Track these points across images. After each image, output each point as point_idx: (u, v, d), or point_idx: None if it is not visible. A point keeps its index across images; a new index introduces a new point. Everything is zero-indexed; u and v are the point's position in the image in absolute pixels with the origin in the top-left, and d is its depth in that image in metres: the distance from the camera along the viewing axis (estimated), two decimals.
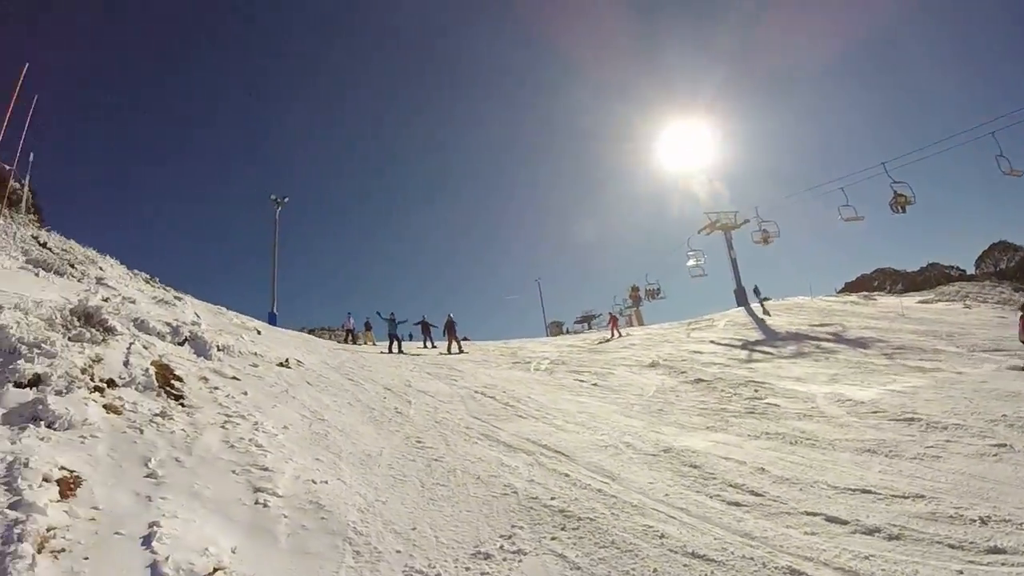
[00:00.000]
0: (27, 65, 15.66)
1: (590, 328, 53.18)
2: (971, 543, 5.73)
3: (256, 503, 6.48)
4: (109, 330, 10.43)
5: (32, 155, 22.08)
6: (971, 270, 50.89)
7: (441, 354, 23.47)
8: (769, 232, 33.50)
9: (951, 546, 5.74)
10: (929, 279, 48.26)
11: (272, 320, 29.86)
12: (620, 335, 27.77)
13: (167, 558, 4.83)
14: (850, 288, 48.22)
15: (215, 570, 4.99)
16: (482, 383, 15.34)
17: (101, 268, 17.99)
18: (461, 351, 24.36)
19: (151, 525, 5.31)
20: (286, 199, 37.44)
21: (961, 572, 5.25)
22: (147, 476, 6.39)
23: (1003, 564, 5.32)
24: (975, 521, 6.22)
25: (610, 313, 35.54)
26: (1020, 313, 17.01)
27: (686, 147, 68.03)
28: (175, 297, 16.95)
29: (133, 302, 13.41)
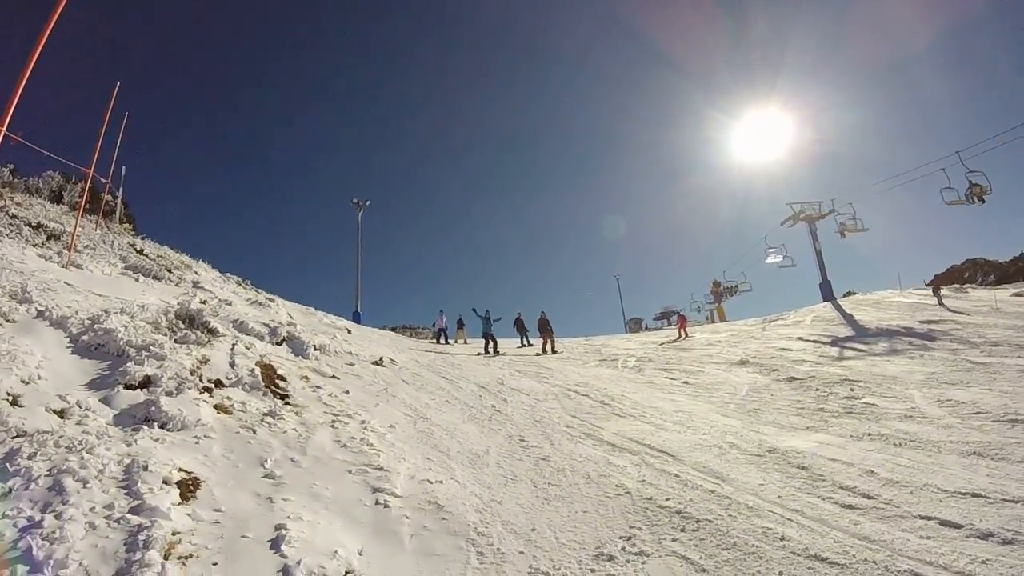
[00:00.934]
0: (119, 84, 16.01)
1: (669, 324, 52.46)
2: None
3: (377, 503, 6.43)
4: (212, 332, 10.57)
5: (124, 169, 22.86)
6: None
7: (537, 354, 22.03)
8: (850, 225, 31.99)
9: None
10: (1022, 269, 46.16)
11: (357, 319, 30.00)
12: (686, 336, 26.26)
13: (299, 562, 4.74)
14: (940, 280, 46.33)
15: (346, 573, 4.88)
16: (573, 381, 15.14)
17: (196, 272, 18.42)
18: (555, 351, 22.49)
19: (277, 528, 5.26)
20: (368, 202, 37.70)
21: None
22: (265, 476, 6.38)
23: None
24: None
25: (679, 313, 33.17)
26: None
27: (768, 137, 66.73)
28: (267, 299, 17.23)
29: (230, 304, 13.63)
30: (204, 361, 9.10)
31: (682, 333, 26.79)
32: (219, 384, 8.64)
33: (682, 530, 6.24)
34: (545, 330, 23.42)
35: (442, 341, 27.55)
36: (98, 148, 15.63)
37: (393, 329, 32.41)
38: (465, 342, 28.70)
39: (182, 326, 10.41)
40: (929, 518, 6.36)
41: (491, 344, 22.62)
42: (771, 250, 36.79)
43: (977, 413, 10.54)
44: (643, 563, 5.58)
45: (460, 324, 30.29)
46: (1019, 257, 50.89)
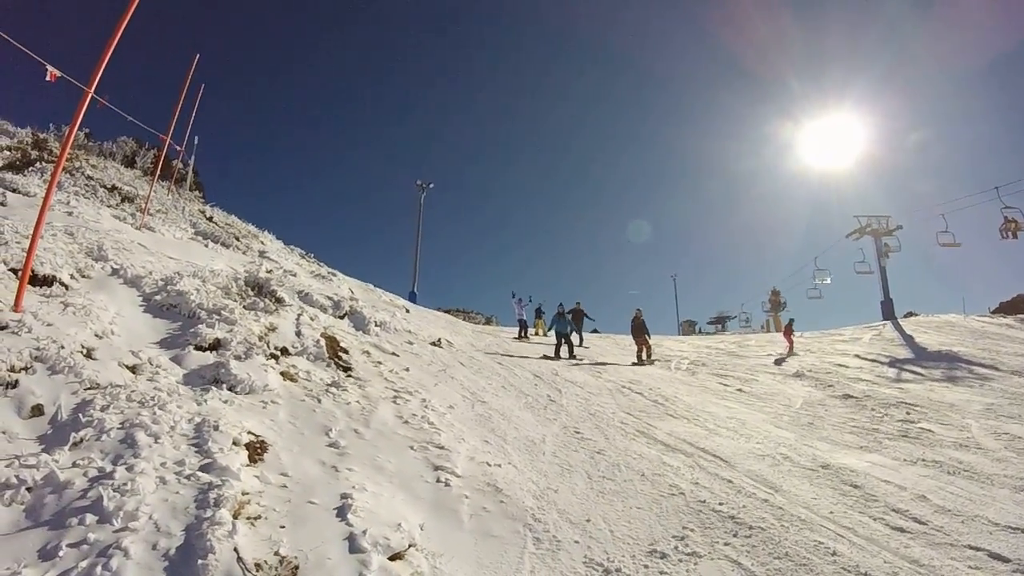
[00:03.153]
0: (198, 56, 16.25)
1: (724, 330, 51.68)
2: None
3: (438, 481, 6.52)
4: (279, 301, 10.77)
5: (196, 138, 23.36)
6: None
7: (633, 363, 18.81)
8: (944, 240, 30.70)
9: None
10: None
11: (413, 299, 29.52)
12: (791, 350, 22.45)
13: (364, 531, 4.79)
14: (1005, 308, 44.52)
15: (409, 546, 4.93)
16: (626, 378, 15.18)
17: (262, 242, 18.76)
18: (651, 358, 19.28)
19: (343, 496, 5.33)
20: (431, 184, 37.81)
21: None
22: (329, 445, 6.49)
23: None
24: None
25: (790, 322, 25.80)
26: None
27: (837, 146, 65.47)
28: (329, 272, 17.47)
29: (294, 275, 13.86)
30: (272, 328, 9.27)
31: (790, 345, 23.06)
32: (285, 352, 8.79)
33: (735, 535, 6.25)
34: (640, 333, 19.66)
35: (523, 335, 23.61)
36: (175, 117, 15.94)
37: (447, 312, 32.29)
38: (546, 334, 26.03)
39: (251, 293, 10.64)
40: (979, 549, 6.35)
41: (565, 348, 19.23)
42: (818, 271, 36.19)
43: None
44: (695, 564, 5.61)
45: (539, 313, 28.18)
46: None
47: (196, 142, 23.91)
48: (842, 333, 27.85)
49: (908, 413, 12.96)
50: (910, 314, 35.17)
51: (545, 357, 17.86)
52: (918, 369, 19.15)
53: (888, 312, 32.86)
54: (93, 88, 7.87)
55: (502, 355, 16.56)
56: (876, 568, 5.71)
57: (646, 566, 5.51)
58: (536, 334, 26.27)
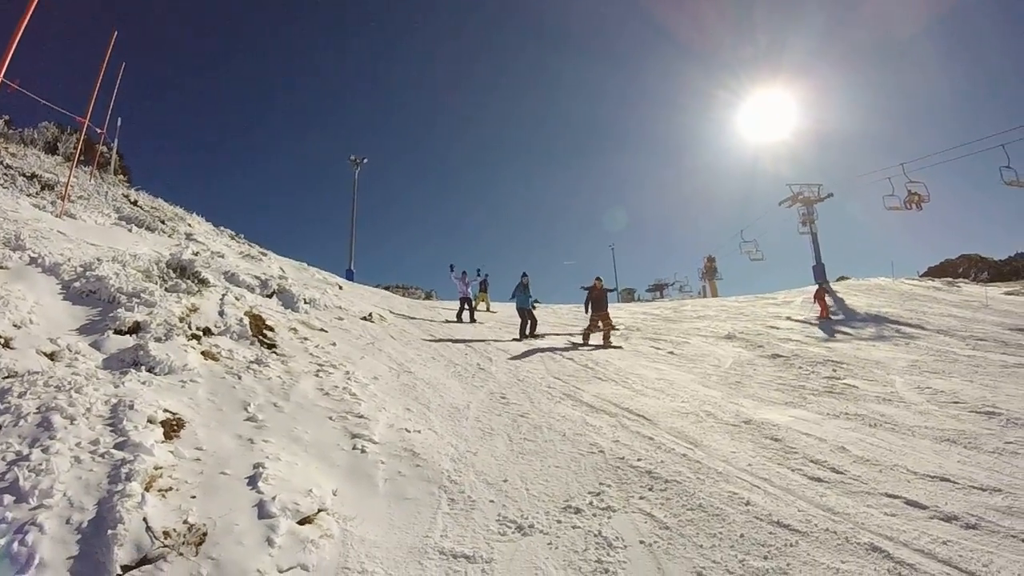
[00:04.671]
0: (115, 33, 15.83)
1: (662, 296, 52.51)
2: None
3: (354, 449, 6.62)
4: (203, 282, 10.73)
5: (120, 120, 22.80)
6: None
7: (578, 344, 16.52)
8: (922, 195, 31.24)
9: None
10: (1017, 269, 45.56)
11: (350, 277, 29.49)
12: (828, 316, 22.01)
13: (273, 498, 4.92)
14: (933, 273, 45.97)
15: (319, 511, 5.08)
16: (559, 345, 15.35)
17: (189, 224, 18.53)
18: (610, 341, 16.51)
19: (256, 466, 5.43)
20: (365, 160, 37.24)
21: None
22: (247, 420, 6.56)
23: None
24: None
25: (820, 285, 25.46)
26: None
27: (770, 117, 66.60)
28: (260, 253, 17.38)
29: (222, 256, 13.78)
30: (193, 309, 9.25)
31: (824, 309, 22.55)
32: (208, 332, 8.80)
33: (650, 489, 6.37)
34: (600, 306, 16.95)
35: (465, 318, 20.34)
36: (94, 98, 15.50)
37: (387, 288, 32.13)
38: (489, 309, 24.30)
39: (173, 275, 10.57)
40: (896, 496, 6.48)
41: (529, 324, 17.18)
42: (745, 243, 37.32)
43: (955, 403, 10.67)
44: (609, 518, 5.72)
45: (484, 286, 25.16)
46: (1014, 257, 50.48)
47: (119, 124, 23.28)
48: (775, 296, 28.52)
49: (834, 370, 13.30)
50: (842, 278, 36.30)
51: (514, 339, 16.11)
52: (847, 329, 19.76)
53: (820, 275, 33.76)
54: (2, 72, 7.71)
55: (436, 326, 16.69)
56: (789, 516, 5.84)
57: (559, 521, 5.62)
58: (480, 309, 23.54)
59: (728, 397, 10.75)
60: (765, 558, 5.10)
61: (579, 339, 16.75)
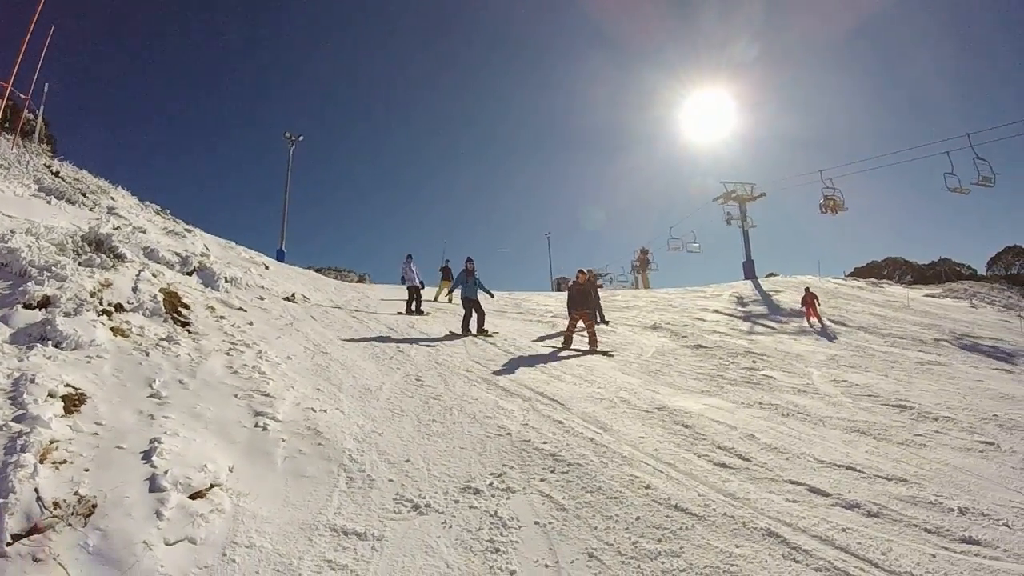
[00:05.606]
0: None
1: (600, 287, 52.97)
2: (947, 530, 5.75)
3: (256, 426, 6.68)
4: (119, 257, 10.58)
5: (47, 86, 22.08)
6: (982, 270, 49.83)
7: (561, 348, 14.26)
8: (837, 202, 31.75)
9: (927, 530, 5.74)
10: (939, 274, 47.12)
11: (280, 257, 28.99)
12: (822, 324, 20.58)
13: (166, 472, 5.00)
14: (859, 273, 47.19)
15: (212, 486, 5.17)
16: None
17: (112, 198, 18.10)
18: (596, 345, 14.02)
19: (152, 441, 5.47)
20: (300, 137, 36.39)
21: (934, 556, 5.25)
22: (151, 396, 6.58)
23: (976, 555, 5.34)
24: (953, 511, 6.20)
25: (807, 289, 22.93)
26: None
27: (708, 116, 67.69)
28: (185, 229, 17.07)
29: (144, 232, 13.53)
30: (106, 285, 9.13)
31: (812, 318, 21.15)
32: (120, 308, 8.72)
33: (552, 471, 6.49)
34: (583, 303, 14.65)
35: (415, 308, 18.09)
36: (18, 61, 15.21)
37: (319, 271, 31.77)
38: (450, 299, 22.20)
39: (88, 249, 10.38)
40: (799, 484, 6.61)
41: (474, 317, 15.22)
42: (673, 240, 38.23)
43: (869, 395, 11.05)
44: (507, 499, 5.84)
45: (446, 273, 23.31)
46: (938, 262, 52.15)
47: (46, 90, 22.48)
48: (704, 290, 28.99)
49: (754, 362, 13.62)
50: (771, 274, 37.30)
51: (452, 335, 14.48)
52: (771, 324, 20.43)
53: (749, 271, 34.68)
54: None
55: (360, 310, 16.65)
56: (688, 500, 5.94)
57: (457, 501, 5.74)
58: (442, 299, 22.24)
59: (646, 384, 10.88)
60: (659, 540, 5.19)
61: (557, 342, 14.50)
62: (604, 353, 13.54)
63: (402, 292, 18.94)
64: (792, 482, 6.63)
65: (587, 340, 14.07)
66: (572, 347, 13.82)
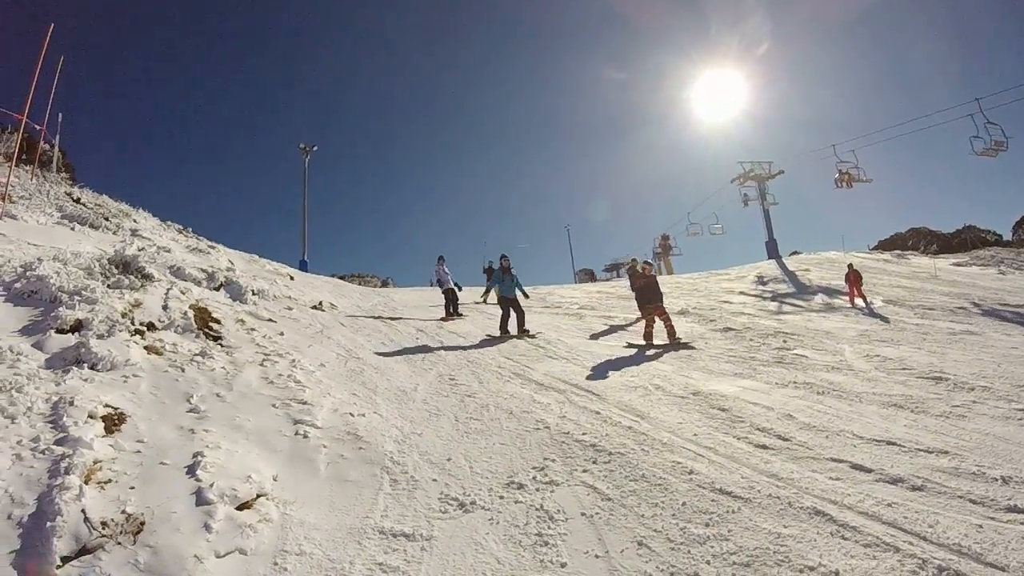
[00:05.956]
0: (52, 26, 15.52)
1: (618, 276, 52.87)
2: (992, 500, 5.63)
3: (296, 434, 6.70)
4: (147, 277, 10.67)
5: (61, 116, 22.35)
6: (1008, 236, 49.00)
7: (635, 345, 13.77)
8: (854, 174, 31.07)
9: (972, 501, 5.64)
10: (964, 242, 46.41)
11: (304, 267, 29.29)
12: (866, 304, 19.59)
13: (211, 485, 5.01)
14: (883, 246, 46.70)
15: (258, 496, 5.18)
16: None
17: (135, 220, 18.31)
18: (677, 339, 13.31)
19: (195, 455, 5.50)
20: (315, 147, 36.66)
21: (980, 526, 5.15)
22: (189, 411, 6.61)
23: (1022, 523, 5.21)
24: (996, 480, 6.07)
25: (850, 266, 21.73)
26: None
27: (723, 95, 67.31)
28: (208, 246, 17.25)
29: (168, 251, 13.68)
30: (137, 305, 9.20)
31: (857, 298, 20.09)
32: (151, 327, 8.77)
33: (594, 462, 6.47)
34: (651, 298, 13.99)
35: (452, 313, 17.22)
36: (31, 94, 15.29)
37: (342, 278, 31.87)
38: (485, 299, 21.54)
39: (116, 272, 10.47)
40: (841, 461, 6.55)
41: (513, 317, 14.34)
42: (692, 225, 39.25)
43: (903, 369, 10.89)
44: (551, 492, 5.81)
45: (489, 272, 22.12)
46: (962, 230, 51.26)
47: (60, 120, 22.78)
48: (728, 273, 28.86)
49: (784, 341, 13.53)
50: (795, 253, 37.04)
51: (490, 338, 13.70)
52: (799, 302, 20.29)
53: (772, 251, 34.51)
54: None
55: (388, 312, 16.74)
56: (732, 483, 5.90)
57: (502, 497, 5.74)
58: (482, 301, 21.37)
59: (678, 370, 10.76)
60: (707, 525, 5.16)
61: (639, 341, 13.57)
62: (686, 345, 12.97)
63: (431, 295, 18.31)
64: (834, 460, 6.58)
65: (665, 334, 13.37)
66: (654, 343, 13.12)
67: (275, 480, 5.62)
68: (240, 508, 4.94)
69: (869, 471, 6.24)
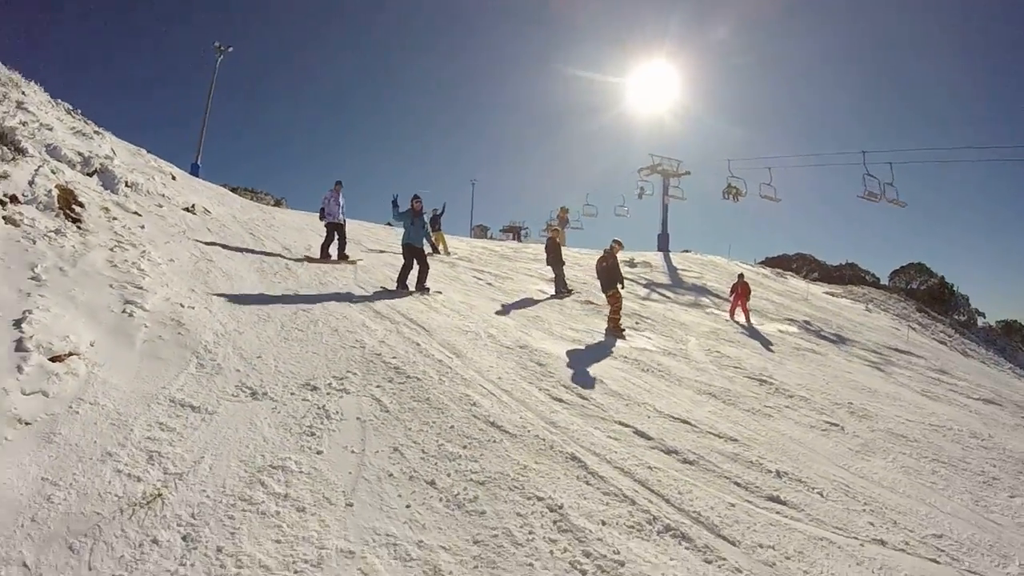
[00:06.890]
0: None
1: (517, 239, 53.79)
2: (757, 487, 6.00)
3: (123, 312, 7.30)
4: (21, 151, 10.86)
5: None
6: (885, 280, 51.45)
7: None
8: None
9: (737, 484, 6.02)
10: (844, 276, 48.14)
11: (195, 171, 28.56)
12: (748, 320, 18.79)
13: (31, 337, 5.75)
14: (769, 263, 48.36)
15: (71, 353, 5.94)
16: (382, 261, 15.63)
17: (23, 92, 17.88)
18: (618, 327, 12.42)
19: (24, 312, 6.15)
20: (230, 48, 35.36)
21: (733, 505, 5.52)
22: (31, 279, 7.11)
23: (777, 512, 5.60)
24: (771, 472, 6.47)
25: (740, 276, 20.57)
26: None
27: (647, 90, 68.57)
28: (95, 131, 16.98)
29: (51, 129, 13.61)
30: (4, 176, 9.48)
31: (738, 310, 19.41)
32: (14, 199, 9.08)
33: (390, 381, 7.07)
34: (609, 282, 13.00)
35: (333, 253, 14.76)
36: None
37: (234, 189, 31.21)
38: (447, 251, 20.34)
39: None
40: (627, 425, 6.95)
41: (419, 270, 12.77)
42: (588, 207, 42.50)
43: (735, 367, 11.48)
44: (340, 398, 6.44)
45: (436, 222, 20.05)
46: (844, 265, 53.59)
47: None
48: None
49: (636, 323, 14.04)
50: (686, 251, 38.67)
51: (384, 289, 12.21)
52: (668, 293, 21.16)
53: (663, 244, 36.10)
54: None
55: (263, 227, 16.87)
56: (507, 421, 6.43)
57: (293, 394, 6.37)
58: (439, 252, 19.33)
59: (520, 327, 11.14)
60: (464, 447, 5.75)
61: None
62: (622, 336, 12.33)
63: (318, 224, 15.92)
64: (620, 423, 7.02)
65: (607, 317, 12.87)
66: (624, 332, 12.59)
67: (91, 345, 6.30)
68: (53, 360, 5.69)
69: (649, 439, 6.72)
